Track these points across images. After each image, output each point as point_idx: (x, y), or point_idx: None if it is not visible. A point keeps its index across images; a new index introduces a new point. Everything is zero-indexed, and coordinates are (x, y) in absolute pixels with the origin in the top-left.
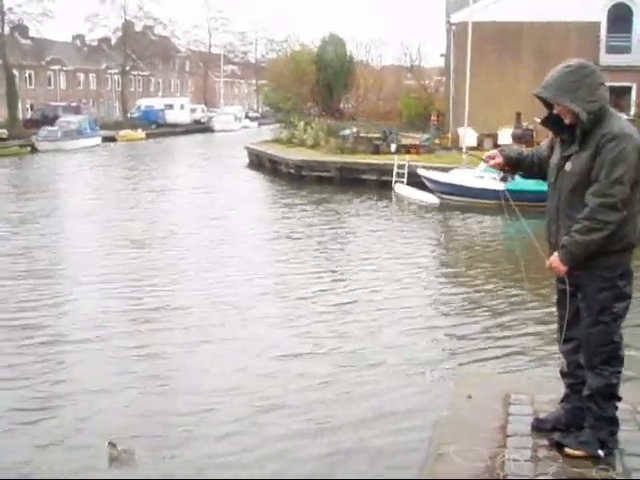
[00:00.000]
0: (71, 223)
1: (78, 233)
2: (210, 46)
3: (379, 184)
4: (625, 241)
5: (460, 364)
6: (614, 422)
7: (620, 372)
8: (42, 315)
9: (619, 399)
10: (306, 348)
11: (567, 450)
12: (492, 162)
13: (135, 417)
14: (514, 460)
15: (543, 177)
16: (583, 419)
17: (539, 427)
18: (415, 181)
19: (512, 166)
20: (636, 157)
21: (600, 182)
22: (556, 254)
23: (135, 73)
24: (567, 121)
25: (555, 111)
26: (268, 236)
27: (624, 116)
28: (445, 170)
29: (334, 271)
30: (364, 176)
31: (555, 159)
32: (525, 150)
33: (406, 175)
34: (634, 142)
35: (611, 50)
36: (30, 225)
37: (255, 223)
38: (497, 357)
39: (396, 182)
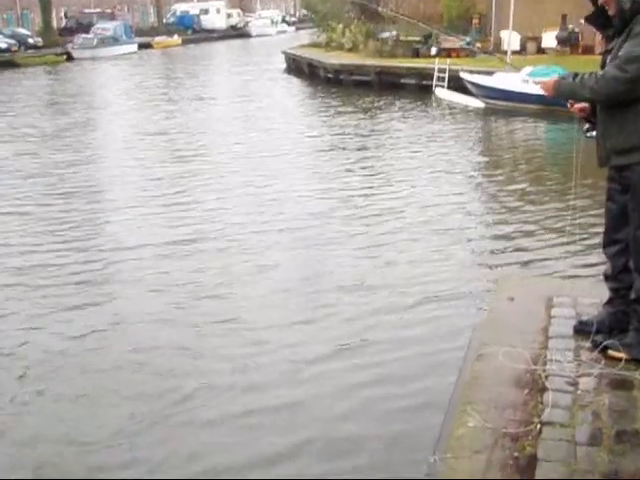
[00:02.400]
0: (109, 136)
1: (116, 147)
2: None
3: (419, 88)
4: None
5: (502, 266)
6: None
7: None
8: (81, 236)
9: None
10: (351, 250)
11: (610, 352)
12: (580, 112)
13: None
14: (556, 361)
15: None
16: (627, 323)
17: (582, 329)
18: (455, 85)
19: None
20: None
21: (619, 57)
22: (553, 78)
23: None
24: (611, 12)
25: (600, 0)
26: (309, 144)
27: None
28: (488, 74)
29: (376, 176)
30: (403, 80)
31: (602, 56)
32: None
33: (447, 79)
34: None
35: None
36: (65, 139)
37: (295, 131)
38: (540, 261)
39: (436, 86)
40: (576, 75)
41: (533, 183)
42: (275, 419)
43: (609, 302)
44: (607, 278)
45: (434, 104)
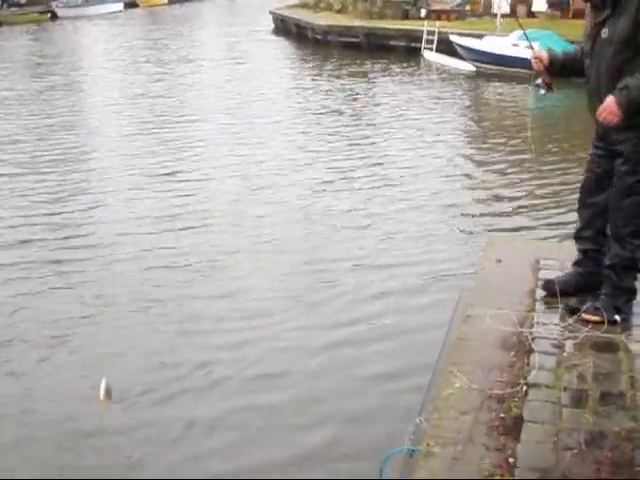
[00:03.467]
0: (93, 99)
1: (101, 111)
2: None
3: (408, 50)
4: None
5: (490, 230)
6: (632, 291)
7: None
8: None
9: (639, 271)
10: (337, 216)
11: (583, 315)
12: (536, 64)
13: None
14: (543, 324)
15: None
16: (594, 284)
17: (548, 288)
18: (445, 48)
19: (556, 70)
20: None
21: None
22: (610, 98)
23: None
24: None
25: None
26: (297, 109)
27: None
28: (477, 37)
29: (362, 140)
30: (392, 42)
31: (588, 29)
32: (572, 51)
33: (435, 42)
34: None
35: None
36: (49, 102)
37: (282, 95)
38: (528, 226)
39: (425, 49)
40: (624, 87)
41: (520, 148)
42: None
43: (577, 263)
44: (578, 238)
45: (423, 67)
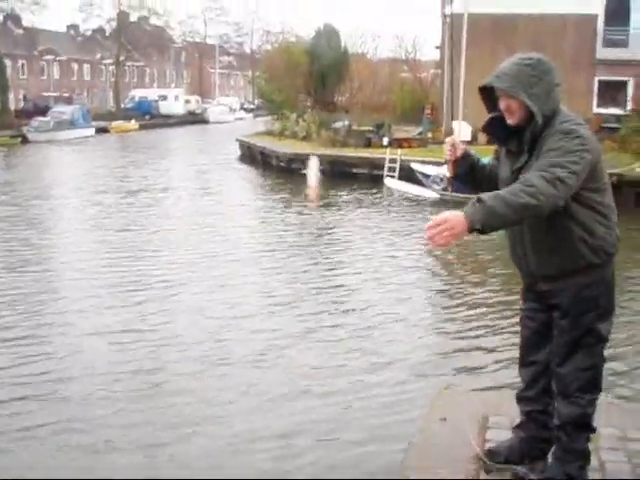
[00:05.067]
0: (55, 225)
1: (63, 236)
2: (205, 37)
3: (371, 178)
4: (609, 251)
5: (440, 375)
6: (585, 455)
7: (597, 399)
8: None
9: (593, 430)
10: (292, 347)
11: None
12: (450, 152)
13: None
14: None
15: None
16: (540, 449)
17: (492, 459)
18: (408, 175)
19: (467, 167)
20: (590, 157)
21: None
22: (456, 212)
23: (130, 64)
24: (512, 121)
25: (501, 107)
26: (256, 235)
27: (617, 111)
28: (438, 164)
29: (324, 270)
30: (355, 170)
31: (505, 173)
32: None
33: (398, 169)
34: (590, 142)
35: (608, 44)
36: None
37: (243, 221)
38: (480, 369)
39: (387, 176)
40: (478, 199)
41: (484, 283)
42: None
43: (520, 426)
44: (520, 399)
45: (385, 194)
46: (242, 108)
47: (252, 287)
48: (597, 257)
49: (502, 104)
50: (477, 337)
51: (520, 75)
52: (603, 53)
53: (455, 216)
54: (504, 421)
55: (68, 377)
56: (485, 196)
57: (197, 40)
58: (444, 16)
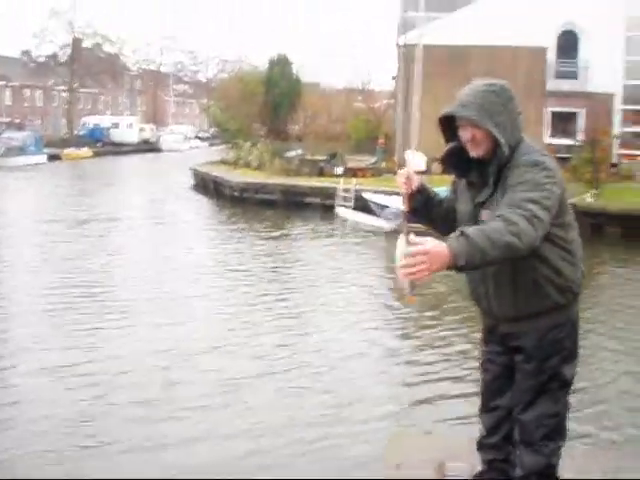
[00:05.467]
0: None
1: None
2: (160, 65)
3: (324, 208)
4: (576, 291)
5: (396, 417)
6: None
7: (562, 447)
8: None
9: None
10: (245, 387)
11: None
12: (405, 185)
13: None
14: None
15: (448, 230)
16: None
17: None
18: (360, 205)
19: (423, 201)
20: (559, 192)
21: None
22: (438, 243)
23: (83, 90)
24: (476, 153)
25: (465, 137)
26: (205, 268)
27: (568, 141)
28: (391, 195)
29: (272, 303)
30: (308, 199)
31: (465, 208)
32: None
33: (352, 199)
34: (557, 174)
35: (559, 75)
36: None
37: (191, 254)
38: (437, 411)
39: (340, 206)
40: (461, 232)
41: (441, 318)
42: None
43: (481, 475)
44: (481, 448)
45: (338, 224)
46: (197, 137)
47: (202, 322)
48: (563, 297)
49: (466, 134)
50: (436, 378)
51: (485, 103)
52: (554, 84)
53: (437, 248)
54: (463, 468)
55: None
56: (470, 231)
57: (152, 68)
58: (399, 47)
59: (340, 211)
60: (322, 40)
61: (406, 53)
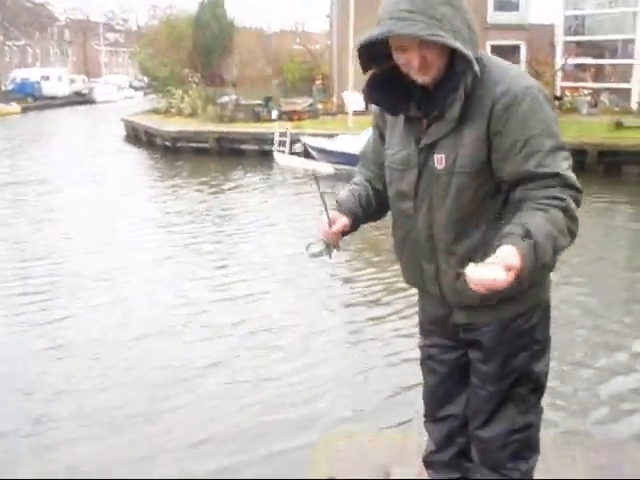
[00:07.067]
0: None
1: None
2: (89, 14)
3: (261, 154)
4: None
5: (330, 414)
6: None
7: (535, 465)
8: None
9: None
10: (175, 356)
11: None
12: (333, 233)
13: None
14: None
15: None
16: None
17: None
18: (300, 149)
19: (355, 225)
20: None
21: (531, 160)
22: (509, 249)
23: (9, 43)
24: (423, 79)
25: (407, 61)
26: (141, 219)
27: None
28: (330, 137)
29: (211, 259)
30: (244, 146)
31: (402, 152)
32: (356, 188)
33: (288, 144)
34: (547, 97)
35: (499, 7)
36: None
37: (124, 207)
38: (380, 405)
39: (277, 152)
40: (526, 232)
41: (383, 276)
42: None
43: None
44: (430, 465)
45: (276, 171)
46: (131, 86)
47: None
48: (539, 273)
49: (409, 58)
50: (380, 363)
51: (429, 8)
52: (494, 17)
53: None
54: (410, 473)
55: None
56: (534, 230)
57: (80, 17)
58: None
59: (278, 157)
60: None
61: None
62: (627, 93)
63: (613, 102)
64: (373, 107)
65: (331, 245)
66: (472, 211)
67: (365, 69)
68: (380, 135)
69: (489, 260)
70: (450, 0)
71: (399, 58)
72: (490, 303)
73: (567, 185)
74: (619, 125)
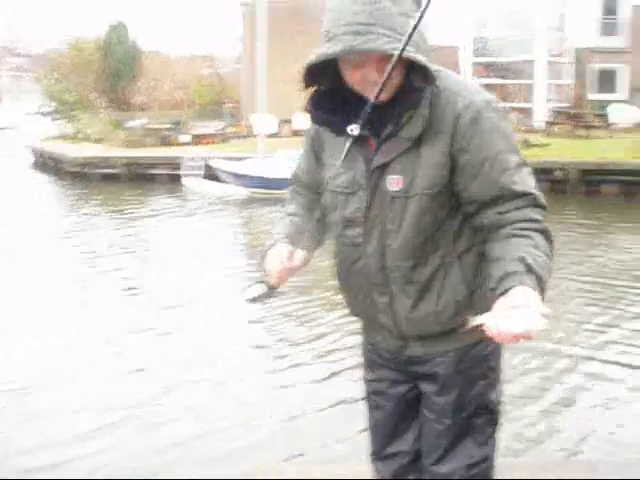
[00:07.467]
0: None
1: None
2: None
3: (171, 179)
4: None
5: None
6: None
7: None
8: None
9: None
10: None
11: None
12: (290, 268)
13: None
14: None
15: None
16: None
17: None
18: (209, 174)
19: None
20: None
21: (499, 178)
22: (522, 290)
23: None
24: (381, 97)
25: (362, 78)
26: (48, 253)
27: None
28: (240, 160)
29: (125, 287)
30: (154, 171)
31: (345, 177)
32: (295, 220)
33: (199, 168)
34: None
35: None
36: None
37: (30, 239)
38: (315, 425)
39: (187, 176)
40: (528, 267)
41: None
42: None
43: None
44: None
45: (187, 196)
46: (39, 112)
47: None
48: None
49: (364, 73)
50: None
51: (387, 20)
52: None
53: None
54: None
55: None
56: (532, 262)
57: None
58: (241, 5)
59: (187, 182)
60: (163, 7)
61: (248, 12)
62: (529, 112)
63: (521, 121)
64: (308, 128)
65: (272, 287)
66: (431, 234)
67: (306, 87)
68: (316, 157)
69: (510, 305)
70: (405, 10)
71: (353, 75)
72: (450, 332)
73: (537, 205)
74: (526, 143)
